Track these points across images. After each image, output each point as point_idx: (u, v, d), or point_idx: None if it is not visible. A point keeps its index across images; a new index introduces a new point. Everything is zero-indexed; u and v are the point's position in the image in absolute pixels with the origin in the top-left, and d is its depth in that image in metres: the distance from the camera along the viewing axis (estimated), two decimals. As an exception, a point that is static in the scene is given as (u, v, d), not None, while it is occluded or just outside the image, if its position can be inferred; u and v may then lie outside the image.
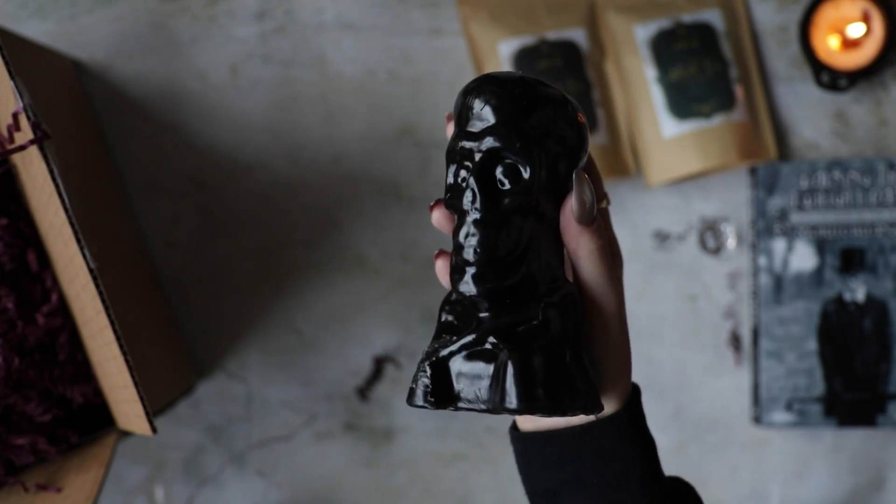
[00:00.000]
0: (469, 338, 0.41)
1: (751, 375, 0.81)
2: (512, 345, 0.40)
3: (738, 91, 0.78)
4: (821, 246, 0.79)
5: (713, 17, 0.79)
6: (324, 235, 0.82)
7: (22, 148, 0.57)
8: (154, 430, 0.59)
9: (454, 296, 0.42)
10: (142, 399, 0.58)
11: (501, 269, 0.40)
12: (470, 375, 0.41)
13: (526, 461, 0.46)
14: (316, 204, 0.82)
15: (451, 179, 0.41)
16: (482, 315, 0.41)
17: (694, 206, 0.81)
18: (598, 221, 0.41)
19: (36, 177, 0.59)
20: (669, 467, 0.50)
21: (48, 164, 0.55)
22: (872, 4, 0.76)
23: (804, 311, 0.79)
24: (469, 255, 0.40)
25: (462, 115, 0.41)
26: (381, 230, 0.82)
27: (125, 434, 0.69)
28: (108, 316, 0.56)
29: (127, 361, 0.57)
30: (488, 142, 0.40)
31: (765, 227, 0.79)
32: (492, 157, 0.40)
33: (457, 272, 0.41)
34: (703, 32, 0.78)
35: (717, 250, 0.81)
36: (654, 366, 0.82)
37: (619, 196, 0.81)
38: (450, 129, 0.43)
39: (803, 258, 0.79)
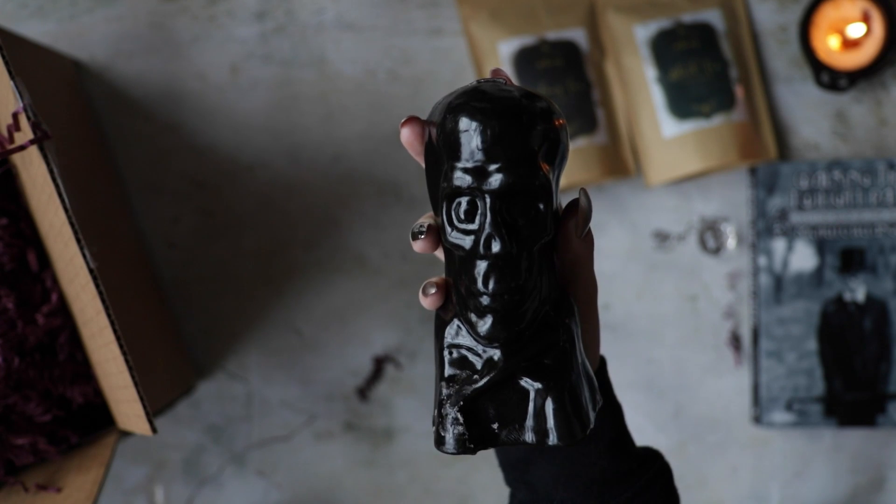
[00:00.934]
0: (495, 374, 0.39)
1: (751, 375, 0.81)
2: (547, 382, 0.39)
3: (738, 91, 0.78)
4: (821, 246, 0.79)
5: (713, 17, 0.79)
6: (324, 235, 0.82)
7: (22, 148, 0.57)
8: (154, 430, 0.59)
9: (456, 326, 0.40)
10: (142, 399, 0.58)
11: (524, 311, 0.38)
12: (504, 414, 0.40)
13: None
14: (316, 204, 0.82)
15: (451, 217, 0.38)
16: (498, 347, 0.39)
17: (694, 206, 0.81)
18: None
19: (36, 177, 0.59)
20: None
21: (48, 164, 0.55)
22: (872, 4, 0.76)
23: (804, 311, 0.79)
24: (490, 301, 0.38)
25: (453, 140, 0.37)
26: (381, 230, 0.82)
27: (125, 434, 0.69)
28: (108, 316, 0.56)
29: (127, 361, 0.57)
30: (500, 180, 0.37)
31: (765, 227, 0.79)
32: (506, 196, 0.37)
33: (475, 313, 0.39)
34: (703, 32, 0.78)
35: (717, 250, 0.81)
36: (654, 366, 0.82)
37: (619, 196, 0.81)
38: (406, 136, 0.41)
39: (803, 258, 0.79)
